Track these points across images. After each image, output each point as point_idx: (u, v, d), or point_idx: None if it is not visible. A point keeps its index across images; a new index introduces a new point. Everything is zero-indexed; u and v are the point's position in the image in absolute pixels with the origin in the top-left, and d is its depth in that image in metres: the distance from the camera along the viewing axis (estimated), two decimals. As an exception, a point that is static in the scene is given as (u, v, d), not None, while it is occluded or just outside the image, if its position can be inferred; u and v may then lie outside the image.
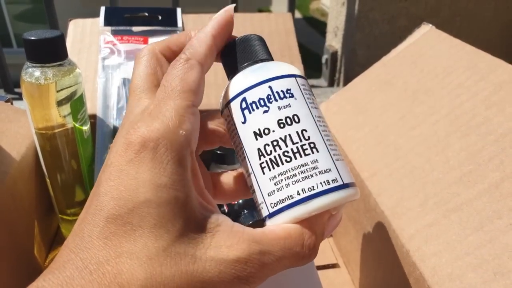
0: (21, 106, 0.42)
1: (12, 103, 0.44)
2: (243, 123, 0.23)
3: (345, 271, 0.44)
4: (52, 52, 0.37)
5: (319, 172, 0.21)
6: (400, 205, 0.33)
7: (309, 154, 0.21)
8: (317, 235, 0.21)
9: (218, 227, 0.19)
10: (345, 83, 0.98)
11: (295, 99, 0.23)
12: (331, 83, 0.95)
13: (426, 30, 0.45)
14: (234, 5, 0.25)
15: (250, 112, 0.22)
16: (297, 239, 0.21)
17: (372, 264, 0.38)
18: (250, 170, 0.23)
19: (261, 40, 0.26)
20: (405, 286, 0.31)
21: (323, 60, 0.96)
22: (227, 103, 0.23)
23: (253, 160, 0.22)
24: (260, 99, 0.22)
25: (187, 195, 0.19)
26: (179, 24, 0.56)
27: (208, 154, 0.51)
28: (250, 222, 0.44)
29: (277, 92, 0.22)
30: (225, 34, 0.24)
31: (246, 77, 0.23)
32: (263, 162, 0.22)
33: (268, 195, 0.22)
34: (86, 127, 0.43)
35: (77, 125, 0.41)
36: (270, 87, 0.22)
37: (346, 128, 0.45)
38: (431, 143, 0.35)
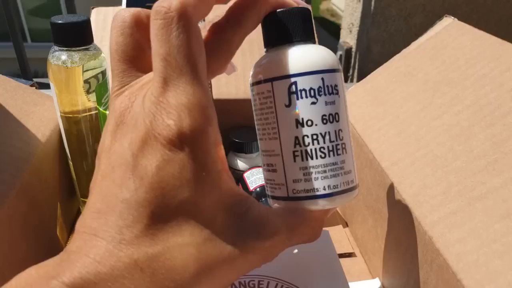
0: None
1: (37, 87, 0.45)
2: (287, 106, 0.22)
3: (361, 260, 0.45)
4: (79, 36, 0.38)
5: (344, 173, 0.23)
6: (422, 193, 0.34)
7: (340, 154, 0.23)
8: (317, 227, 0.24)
9: (248, 211, 0.21)
10: (359, 80, 0.97)
11: (339, 96, 0.23)
12: (345, 80, 0.95)
13: (448, 23, 0.45)
14: None
15: (297, 99, 0.22)
16: (314, 226, 0.24)
17: (391, 253, 0.38)
18: (278, 152, 0.23)
19: (310, 14, 0.25)
20: (427, 273, 0.31)
21: (337, 56, 0.96)
22: (271, 79, 0.23)
23: (286, 145, 0.23)
24: (311, 89, 0.22)
25: (224, 191, 0.20)
26: (198, 14, 0.57)
27: (225, 143, 0.51)
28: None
29: (327, 86, 0.23)
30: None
31: (298, 59, 0.22)
32: (297, 151, 0.22)
33: (293, 181, 0.23)
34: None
35: (101, 109, 0.42)
36: (322, 78, 0.22)
37: (366, 119, 0.46)
38: (454, 133, 0.35)
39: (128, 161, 0.18)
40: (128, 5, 0.55)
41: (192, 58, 0.18)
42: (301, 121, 0.22)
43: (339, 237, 0.47)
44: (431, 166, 0.35)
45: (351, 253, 0.46)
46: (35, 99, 0.42)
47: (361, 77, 0.96)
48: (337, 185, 0.23)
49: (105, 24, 0.55)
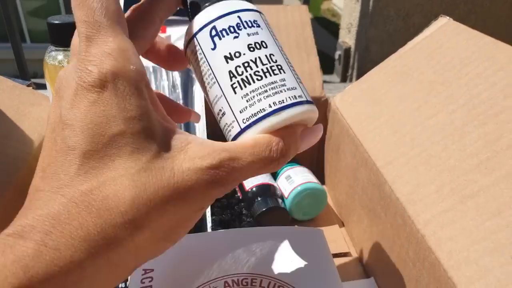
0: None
1: (33, 88, 0.45)
2: (213, 49, 0.24)
3: (357, 260, 0.45)
4: (76, 35, 0.38)
5: (287, 89, 0.23)
6: (415, 192, 0.34)
7: (277, 74, 0.24)
8: (288, 143, 0.23)
9: (189, 143, 0.21)
10: (358, 79, 0.98)
11: (262, 29, 0.25)
12: (343, 79, 0.95)
13: (443, 23, 0.45)
14: None
15: (220, 39, 0.24)
16: (265, 144, 0.22)
17: (386, 252, 0.38)
18: (220, 93, 0.24)
19: None
20: (420, 271, 0.31)
21: (336, 56, 0.96)
22: (193, 35, 0.25)
23: (223, 82, 0.24)
24: (230, 26, 0.24)
25: (154, 124, 0.20)
26: (196, 15, 0.57)
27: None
28: (264, 209, 0.45)
29: (246, 22, 0.24)
30: None
31: (214, 9, 0.25)
32: (234, 83, 0.24)
33: (240, 112, 0.23)
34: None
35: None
36: (239, 16, 0.24)
37: (361, 118, 0.46)
38: (448, 132, 0.35)
39: (62, 115, 0.20)
40: (125, 7, 0.56)
41: (109, 14, 0.20)
42: (229, 55, 0.24)
43: (334, 237, 0.48)
44: (425, 165, 0.35)
45: (347, 252, 0.46)
46: (32, 99, 0.43)
47: (360, 76, 0.95)
48: (283, 100, 0.23)
49: (103, 24, 0.56)
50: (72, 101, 0.19)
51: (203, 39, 0.24)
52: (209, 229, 0.41)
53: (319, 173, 0.57)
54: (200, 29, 0.24)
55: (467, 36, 0.41)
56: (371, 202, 0.40)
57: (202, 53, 0.25)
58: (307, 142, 0.24)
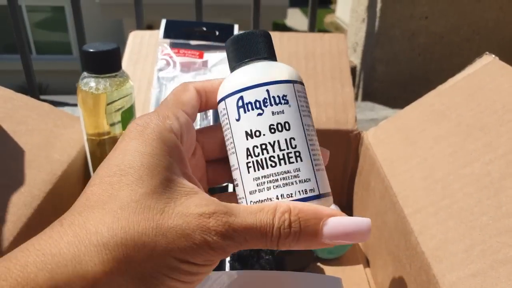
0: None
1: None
2: (237, 120, 0.24)
3: (380, 308, 0.42)
4: (107, 64, 0.39)
5: (299, 181, 0.23)
6: (442, 248, 0.31)
7: (293, 162, 0.23)
8: (305, 223, 0.21)
9: (195, 193, 0.21)
10: (364, 98, 0.99)
11: (289, 106, 0.24)
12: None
13: (488, 61, 0.42)
14: None
15: (245, 112, 0.23)
16: (270, 210, 0.21)
17: (408, 306, 0.36)
18: (237, 165, 0.24)
19: (266, 36, 0.26)
20: (442, 337, 0.29)
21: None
22: (224, 97, 0.24)
23: (241, 157, 0.24)
24: (256, 101, 0.23)
25: (168, 166, 0.21)
26: (234, 39, 0.57)
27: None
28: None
29: (273, 97, 0.23)
30: None
31: (245, 75, 0.24)
32: (249, 162, 0.23)
33: (250, 193, 0.23)
34: (134, 137, 0.45)
35: (125, 134, 0.43)
36: (267, 90, 0.23)
37: (393, 158, 0.44)
38: (483, 185, 0.33)
39: None
40: (166, 30, 0.57)
41: (182, 99, 0.25)
42: (250, 132, 0.23)
43: (358, 279, 0.45)
44: (455, 218, 0.32)
45: (370, 298, 0.43)
46: (66, 122, 0.44)
47: (365, 95, 0.95)
48: (291, 194, 0.22)
49: (141, 47, 0.57)
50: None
51: (231, 106, 0.24)
52: (227, 263, 0.40)
53: (348, 208, 0.55)
54: (229, 95, 0.24)
55: (512, 79, 0.38)
56: (397, 250, 0.38)
57: (227, 118, 0.24)
58: (334, 233, 0.22)
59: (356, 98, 0.95)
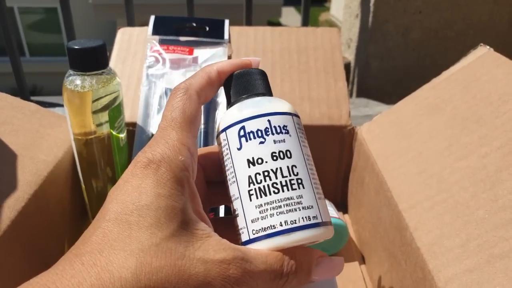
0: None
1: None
2: (239, 149, 0.24)
3: (376, 306, 0.42)
4: (93, 61, 0.38)
5: (302, 208, 0.23)
6: (438, 243, 0.31)
7: (295, 189, 0.23)
8: (300, 266, 0.23)
9: (209, 237, 0.21)
10: (358, 95, 0.98)
11: (290, 136, 0.24)
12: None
13: (482, 53, 0.42)
14: (259, 59, 0.27)
15: (247, 140, 0.24)
16: (278, 257, 0.22)
17: (405, 304, 0.35)
18: (238, 195, 0.24)
19: (263, 74, 0.27)
20: (438, 335, 0.28)
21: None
22: (225, 128, 0.25)
23: (242, 185, 0.24)
24: (258, 130, 0.24)
25: (183, 207, 0.21)
26: (226, 36, 0.56)
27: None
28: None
29: (275, 127, 0.24)
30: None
31: (246, 107, 0.25)
32: (251, 190, 0.23)
33: (252, 221, 0.23)
34: (122, 135, 0.44)
35: (114, 133, 0.42)
36: (269, 120, 0.24)
37: (387, 153, 0.43)
38: (479, 178, 0.32)
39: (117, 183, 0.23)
40: (155, 27, 0.56)
41: (184, 114, 0.24)
42: (252, 160, 0.23)
43: (354, 276, 0.45)
44: (451, 213, 0.32)
45: (366, 295, 0.43)
46: (53, 121, 0.43)
47: (360, 92, 0.95)
48: (295, 220, 0.22)
49: (130, 44, 0.56)
50: (124, 174, 0.22)
51: (232, 136, 0.24)
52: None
53: (343, 204, 0.54)
54: (231, 125, 0.25)
55: (507, 70, 0.38)
56: (392, 246, 0.37)
57: (228, 149, 0.25)
58: (321, 272, 0.24)
59: (350, 95, 0.95)
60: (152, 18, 0.56)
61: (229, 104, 0.26)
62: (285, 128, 0.24)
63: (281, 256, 0.22)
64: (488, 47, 0.42)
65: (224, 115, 0.26)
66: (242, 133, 0.24)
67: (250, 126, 0.24)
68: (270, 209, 0.22)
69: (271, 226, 0.22)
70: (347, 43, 0.99)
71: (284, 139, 0.24)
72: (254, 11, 0.90)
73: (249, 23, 0.91)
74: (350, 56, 0.97)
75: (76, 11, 0.87)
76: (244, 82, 0.26)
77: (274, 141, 0.24)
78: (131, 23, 0.90)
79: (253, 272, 0.21)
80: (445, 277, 0.28)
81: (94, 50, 0.38)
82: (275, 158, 0.23)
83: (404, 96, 0.47)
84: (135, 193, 0.20)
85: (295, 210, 0.22)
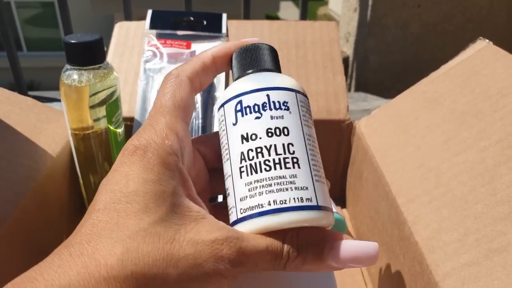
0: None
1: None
2: (234, 124, 0.23)
3: (375, 299, 0.42)
4: (90, 55, 0.38)
5: (295, 188, 0.21)
6: (436, 238, 0.31)
7: (289, 168, 0.21)
8: (305, 246, 0.21)
9: (203, 218, 0.20)
10: (356, 89, 0.99)
11: (290, 112, 0.23)
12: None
13: (481, 46, 0.41)
14: (259, 39, 0.27)
15: (242, 115, 0.23)
16: (278, 235, 0.21)
17: (403, 297, 0.35)
18: (230, 172, 0.23)
19: (272, 50, 0.26)
20: (436, 328, 0.28)
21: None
22: (223, 103, 0.24)
23: (234, 162, 0.22)
24: (255, 104, 0.23)
25: (173, 190, 0.20)
26: (223, 30, 0.56)
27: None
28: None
29: (273, 102, 0.23)
30: (229, 57, 0.26)
31: (246, 82, 0.23)
32: (243, 166, 0.22)
33: (240, 200, 0.22)
34: (120, 130, 0.43)
35: (111, 128, 0.42)
36: (268, 95, 0.23)
37: (386, 147, 0.43)
38: (477, 172, 0.32)
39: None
40: (152, 21, 0.56)
41: (174, 99, 0.23)
42: (246, 136, 0.22)
43: (351, 271, 0.45)
44: (449, 207, 0.32)
45: (364, 289, 0.43)
46: (50, 116, 0.43)
47: (358, 86, 0.95)
48: (285, 200, 0.21)
49: (127, 38, 0.55)
50: (114, 163, 0.22)
51: (229, 111, 0.23)
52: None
53: (341, 199, 0.54)
54: (228, 100, 0.23)
55: (507, 64, 0.38)
56: (391, 241, 0.37)
57: (225, 124, 0.23)
58: (342, 257, 0.21)
59: (349, 89, 0.95)
60: (150, 12, 0.55)
61: (234, 80, 0.25)
62: (285, 104, 0.23)
63: (282, 234, 0.21)
64: (487, 40, 0.42)
65: (225, 91, 0.24)
66: (238, 107, 0.23)
67: (247, 100, 0.23)
68: (260, 187, 0.21)
69: (259, 205, 0.21)
70: (346, 37, 0.99)
71: (282, 116, 0.22)
72: (252, 5, 0.89)
73: (247, 17, 0.91)
74: (349, 50, 0.97)
75: (74, 5, 0.86)
76: (249, 57, 0.25)
77: (271, 117, 0.22)
78: (128, 17, 0.89)
79: (249, 251, 0.20)
80: (443, 272, 0.28)
81: (91, 44, 0.38)
82: (270, 134, 0.22)
83: (403, 90, 0.47)
84: (123, 181, 0.20)
85: (287, 189, 0.21)
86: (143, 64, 0.52)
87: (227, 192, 0.23)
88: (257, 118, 0.22)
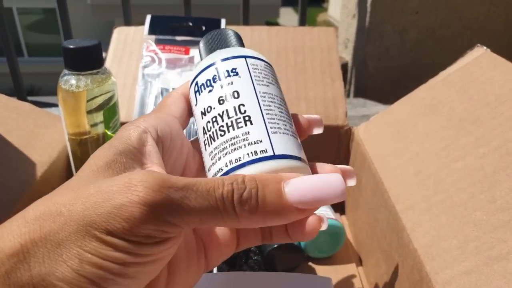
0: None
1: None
2: (196, 105, 0.24)
3: (373, 307, 0.41)
4: (87, 60, 0.38)
5: (248, 144, 0.21)
6: (435, 245, 0.30)
7: (241, 127, 0.22)
8: (254, 185, 0.19)
9: (139, 171, 0.19)
10: (355, 95, 0.99)
11: (239, 77, 0.23)
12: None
13: (479, 53, 0.41)
14: None
15: (199, 94, 0.24)
16: (219, 177, 0.19)
17: (402, 305, 0.35)
18: (201, 149, 0.24)
19: (229, 31, 0.27)
20: (436, 337, 0.28)
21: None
22: (189, 93, 0.25)
23: (201, 138, 0.23)
24: (207, 80, 0.23)
25: (124, 150, 0.20)
26: (221, 35, 0.56)
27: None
28: (275, 246, 0.43)
29: (222, 72, 0.23)
30: None
31: (200, 64, 0.25)
32: (205, 140, 0.23)
33: (208, 170, 0.22)
34: (118, 136, 0.43)
35: (109, 133, 0.42)
36: (216, 68, 0.23)
37: (384, 153, 0.43)
38: (476, 179, 0.32)
39: None
40: (151, 26, 0.56)
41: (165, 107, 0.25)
42: (203, 111, 0.23)
43: (350, 278, 0.44)
44: (448, 214, 0.31)
45: (363, 297, 0.42)
46: (47, 121, 0.43)
47: (357, 92, 0.95)
48: (239, 158, 0.21)
49: (125, 44, 0.55)
50: None
51: (192, 95, 0.24)
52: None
53: (340, 205, 0.54)
54: (190, 85, 0.25)
55: (504, 70, 0.37)
56: (390, 248, 0.37)
57: (192, 108, 0.25)
58: (300, 190, 0.19)
59: (348, 95, 0.95)
60: (148, 17, 0.55)
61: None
62: (233, 70, 0.23)
63: (223, 176, 0.20)
64: (485, 48, 0.42)
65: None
66: (196, 88, 0.24)
67: (201, 79, 0.24)
68: (218, 152, 0.22)
69: (219, 169, 0.21)
70: (345, 43, 0.99)
71: (231, 82, 0.23)
72: (252, 12, 0.90)
73: (246, 23, 0.91)
74: (348, 56, 0.97)
75: (75, 11, 0.87)
76: (207, 43, 0.26)
77: (221, 86, 0.23)
78: (128, 23, 0.89)
79: (177, 184, 0.18)
80: (443, 279, 0.28)
81: (88, 49, 0.37)
82: (221, 102, 0.22)
83: (402, 96, 0.47)
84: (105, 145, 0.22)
85: (241, 147, 0.21)
86: (141, 70, 0.52)
87: (205, 169, 0.23)
88: (210, 91, 0.23)
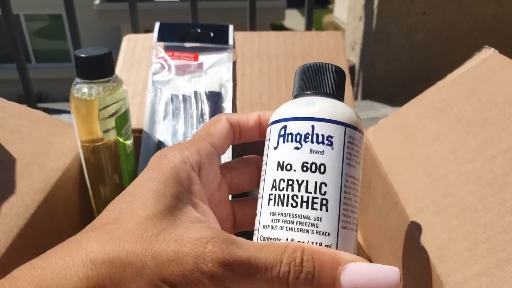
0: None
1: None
2: (275, 148, 0.23)
3: (385, 310, 0.41)
4: (99, 69, 0.38)
5: (317, 232, 0.20)
6: (446, 248, 0.30)
7: (316, 209, 0.20)
8: (310, 259, 0.19)
9: (199, 222, 0.20)
10: (363, 97, 0.99)
11: (332, 149, 0.21)
12: (347, 97, 0.95)
13: (487, 55, 0.42)
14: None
15: (284, 142, 0.22)
16: (279, 247, 0.19)
17: (413, 308, 0.35)
18: (261, 194, 0.23)
19: (339, 73, 0.24)
20: None
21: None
22: (271, 123, 0.24)
23: (266, 187, 0.22)
24: (298, 133, 0.22)
25: (176, 193, 0.21)
26: (230, 41, 0.56)
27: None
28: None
29: (317, 134, 0.21)
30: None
31: (295, 106, 0.23)
32: (272, 194, 0.22)
33: (263, 227, 0.22)
34: (129, 142, 0.44)
35: (121, 140, 0.42)
36: (312, 126, 0.22)
37: (393, 157, 0.43)
38: (486, 181, 0.32)
39: None
40: (160, 33, 0.56)
41: (208, 132, 0.26)
42: (281, 164, 0.22)
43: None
44: (458, 217, 0.32)
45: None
46: (60, 129, 0.44)
47: (365, 94, 0.95)
48: (303, 242, 0.20)
49: (135, 51, 0.56)
50: None
51: (273, 133, 0.23)
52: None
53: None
54: (276, 122, 0.23)
55: (513, 72, 0.38)
56: (400, 250, 0.37)
57: (268, 145, 0.23)
58: (355, 279, 0.19)
59: (355, 97, 0.95)
60: (157, 24, 0.56)
61: (293, 97, 0.25)
62: (329, 138, 0.21)
63: (284, 246, 0.19)
64: (493, 49, 0.42)
65: (279, 108, 0.24)
66: (282, 132, 0.22)
67: (292, 127, 0.22)
68: (282, 221, 0.20)
69: (277, 239, 0.20)
70: (352, 46, 0.99)
71: (323, 151, 0.21)
72: (257, 14, 0.90)
73: (253, 26, 0.92)
74: (355, 59, 0.97)
75: (81, 17, 0.88)
76: (310, 77, 0.23)
77: (311, 150, 0.21)
78: (135, 28, 0.90)
79: (239, 255, 0.18)
80: (454, 282, 0.28)
81: (100, 58, 0.38)
82: (305, 169, 0.21)
83: (410, 98, 0.47)
84: (133, 184, 0.21)
85: (307, 231, 0.20)
86: (151, 76, 0.53)
87: (257, 212, 0.23)
88: (296, 148, 0.22)
